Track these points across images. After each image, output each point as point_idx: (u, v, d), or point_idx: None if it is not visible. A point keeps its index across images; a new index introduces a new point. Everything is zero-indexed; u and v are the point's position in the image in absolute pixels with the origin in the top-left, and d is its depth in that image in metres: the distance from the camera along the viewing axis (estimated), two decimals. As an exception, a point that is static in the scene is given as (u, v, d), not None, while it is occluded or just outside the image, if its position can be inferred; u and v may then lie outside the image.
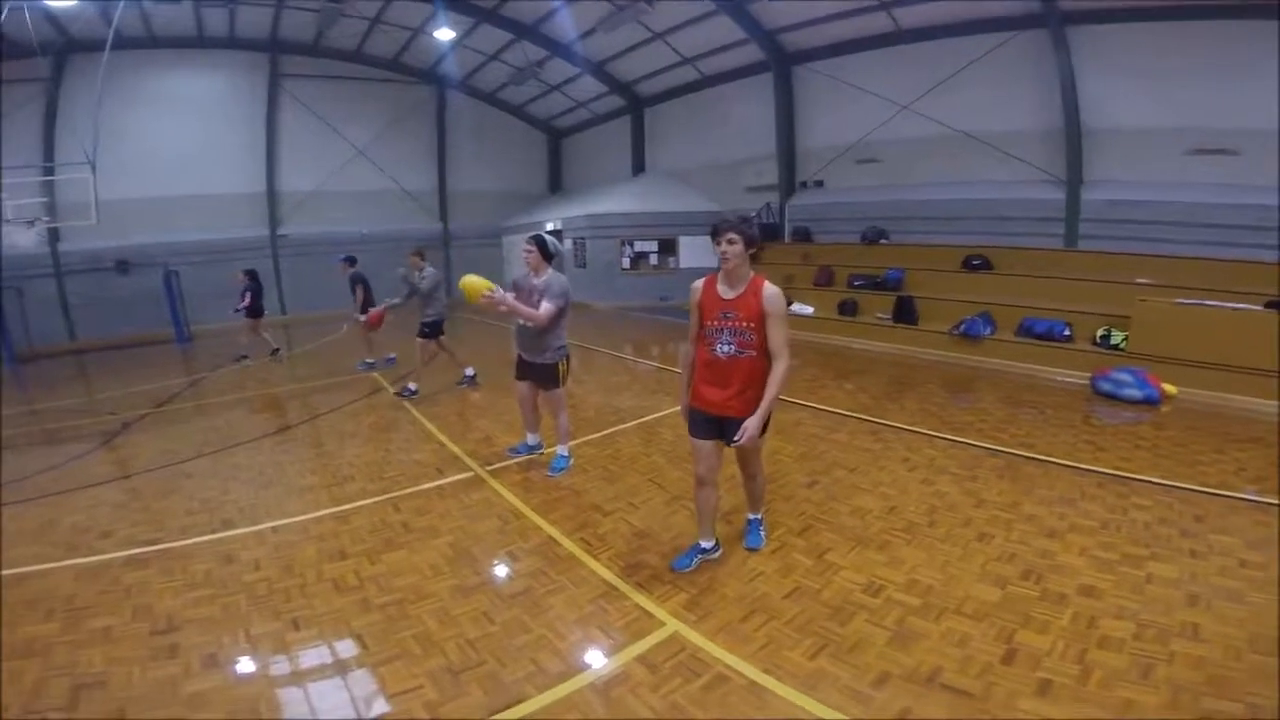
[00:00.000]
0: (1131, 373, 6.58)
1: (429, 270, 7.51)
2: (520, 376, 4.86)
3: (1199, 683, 2.38)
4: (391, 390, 7.81)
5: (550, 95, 18.90)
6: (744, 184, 15.04)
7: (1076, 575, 3.15)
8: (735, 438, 2.97)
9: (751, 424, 2.92)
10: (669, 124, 17.52)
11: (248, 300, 10.75)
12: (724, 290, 3.04)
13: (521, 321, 4.53)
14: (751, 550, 3.49)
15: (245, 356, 10.76)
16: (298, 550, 3.83)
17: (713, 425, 3.13)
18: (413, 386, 7.46)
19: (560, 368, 4.63)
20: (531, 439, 5.21)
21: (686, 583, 3.25)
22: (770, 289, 2.97)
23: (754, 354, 2.98)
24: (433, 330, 7.43)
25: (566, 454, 4.94)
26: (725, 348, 3.00)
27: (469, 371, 7.88)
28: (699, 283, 3.15)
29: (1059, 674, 2.46)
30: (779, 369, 2.95)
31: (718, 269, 3.07)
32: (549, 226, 17.79)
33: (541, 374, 4.69)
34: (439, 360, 7.77)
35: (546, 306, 4.38)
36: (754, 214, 14.45)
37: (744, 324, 2.96)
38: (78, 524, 4.40)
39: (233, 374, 9.99)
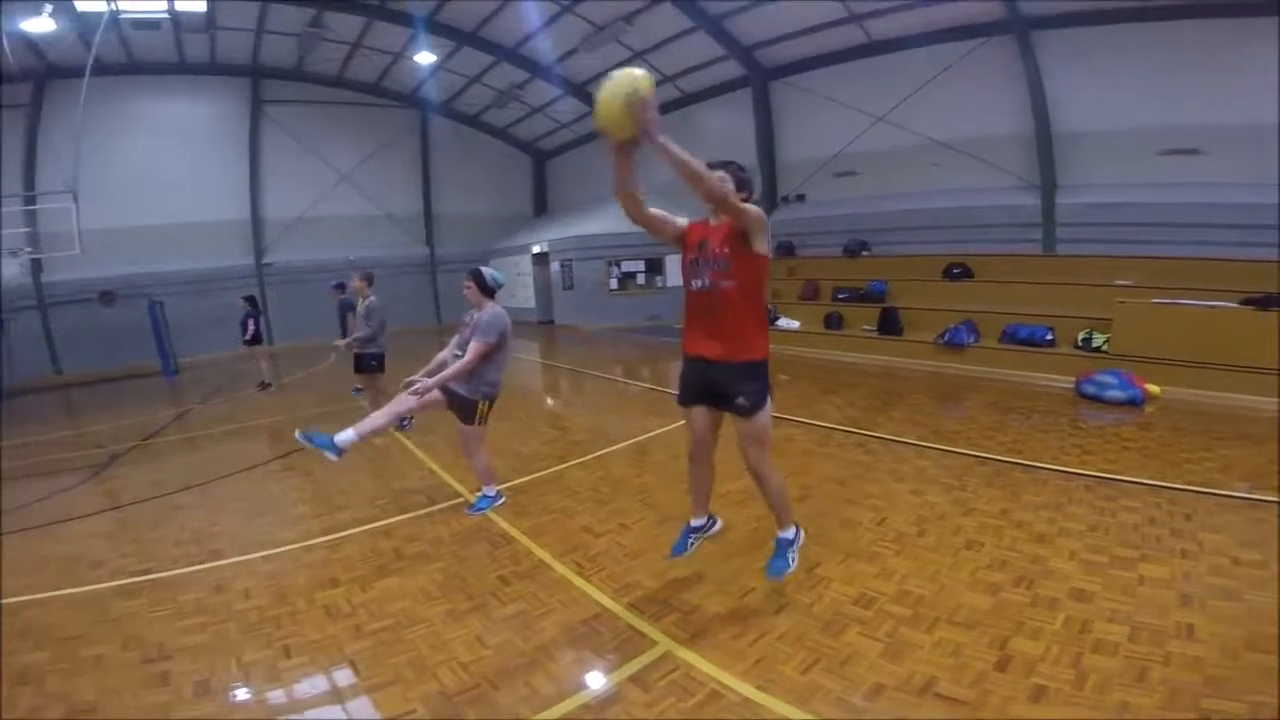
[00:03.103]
0: (1115, 374, 6.67)
1: (373, 299, 6.80)
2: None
3: (1197, 683, 2.39)
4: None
5: (533, 117, 19.06)
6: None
7: (1068, 580, 3.17)
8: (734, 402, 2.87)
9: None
10: (653, 143, 17.67)
11: (251, 330, 10.56)
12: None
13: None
14: (773, 579, 3.12)
15: (269, 384, 10.60)
16: (289, 578, 3.79)
17: (702, 381, 2.99)
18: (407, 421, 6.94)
19: (480, 407, 4.30)
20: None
21: (679, 601, 3.23)
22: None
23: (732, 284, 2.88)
24: (379, 364, 6.86)
25: (493, 494, 4.66)
26: (699, 282, 2.98)
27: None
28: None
29: (1053, 679, 2.46)
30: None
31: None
32: (535, 249, 17.86)
33: (458, 404, 4.31)
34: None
35: (473, 346, 4.17)
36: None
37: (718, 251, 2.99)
38: (68, 554, 4.36)
39: (223, 406, 9.91)
